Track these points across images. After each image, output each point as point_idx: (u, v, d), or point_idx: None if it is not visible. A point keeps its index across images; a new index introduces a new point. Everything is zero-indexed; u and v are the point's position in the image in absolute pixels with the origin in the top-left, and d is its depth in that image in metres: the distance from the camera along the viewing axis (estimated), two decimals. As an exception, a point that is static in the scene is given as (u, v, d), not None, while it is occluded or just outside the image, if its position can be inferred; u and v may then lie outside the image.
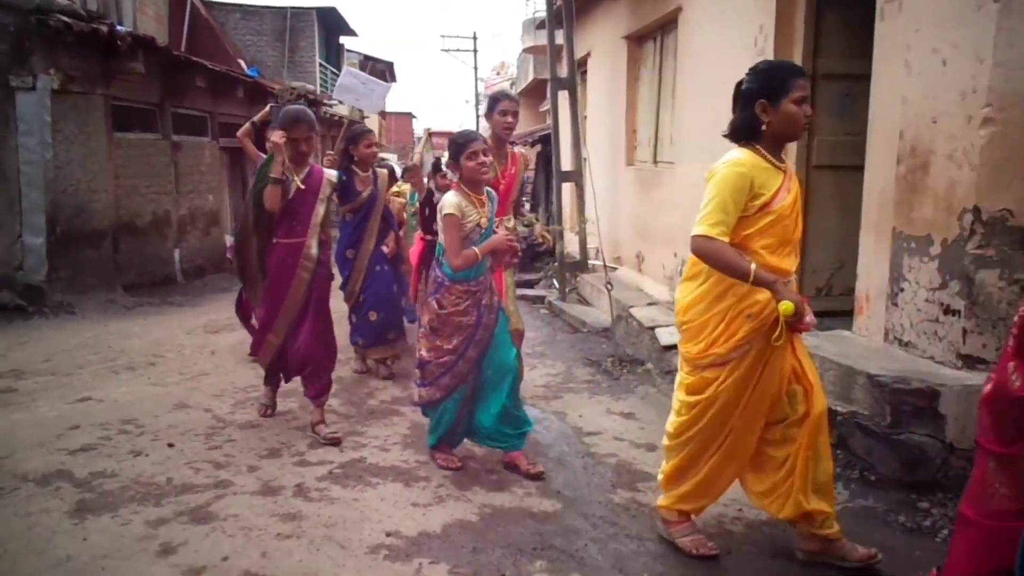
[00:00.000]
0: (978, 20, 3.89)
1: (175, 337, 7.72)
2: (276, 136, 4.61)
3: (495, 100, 4.96)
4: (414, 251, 6.80)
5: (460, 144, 4.04)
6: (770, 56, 5.94)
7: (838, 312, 5.68)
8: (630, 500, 3.90)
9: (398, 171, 8.20)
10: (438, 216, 4.05)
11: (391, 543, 3.40)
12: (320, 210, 4.65)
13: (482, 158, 3.98)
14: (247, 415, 5.14)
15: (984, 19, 3.85)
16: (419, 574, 3.17)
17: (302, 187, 4.58)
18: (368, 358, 6.36)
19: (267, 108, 6.48)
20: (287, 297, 4.63)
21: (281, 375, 5.06)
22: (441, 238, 4.08)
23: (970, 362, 4.05)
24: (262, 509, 3.71)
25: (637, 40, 9.78)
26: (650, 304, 7.67)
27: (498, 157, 4.78)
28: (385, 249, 6.27)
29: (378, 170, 6.29)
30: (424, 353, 4.19)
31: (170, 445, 4.53)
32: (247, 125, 6.15)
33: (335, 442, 4.60)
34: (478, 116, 38.58)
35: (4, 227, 8.84)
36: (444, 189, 6.21)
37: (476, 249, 4.00)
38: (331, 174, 4.82)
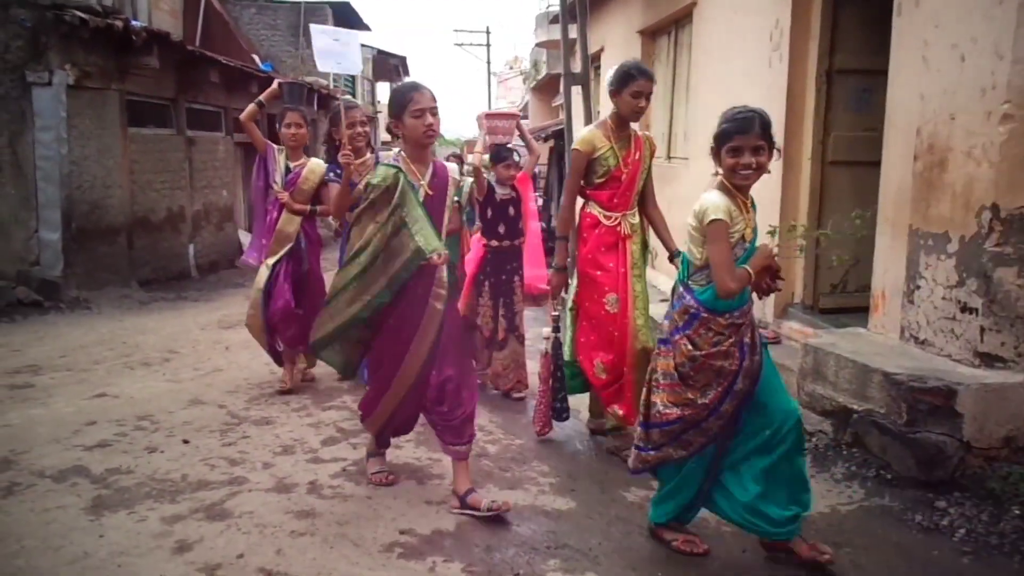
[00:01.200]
0: (998, 15, 3.85)
1: (189, 332, 7.75)
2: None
3: (629, 76, 4.18)
4: (471, 259, 5.50)
5: (725, 133, 3.08)
6: (786, 51, 5.91)
7: (853, 309, 5.66)
8: (644, 498, 3.89)
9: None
10: (695, 221, 3.10)
11: (405, 541, 3.40)
12: (446, 219, 3.63)
13: (747, 158, 3.02)
14: (261, 411, 5.16)
15: (1005, 14, 3.81)
16: (433, 572, 3.16)
17: (431, 193, 3.55)
18: None
19: (274, 84, 5.61)
20: (416, 339, 3.59)
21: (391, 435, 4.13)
22: (696, 253, 3.14)
23: (988, 360, 4.01)
24: (276, 506, 3.72)
25: (651, 35, 9.74)
26: (662, 300, 7.62)
27: (619, 140, 4.30)
28: None
29: (384, 156, 5.22)
30: (662, 408, 3.19)
31: (185, 441, 4.55)
32: (252, 106, 5.45)
33: (506, 509, 3.59)
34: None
35: (20, 222, 8.90)
36: (507, 182, 5.56)
37: (748, 267, 3.06)
38: (454, 168, 3.79)
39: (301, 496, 3.84)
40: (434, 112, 3.48)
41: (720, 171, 3.14)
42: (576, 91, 10.03)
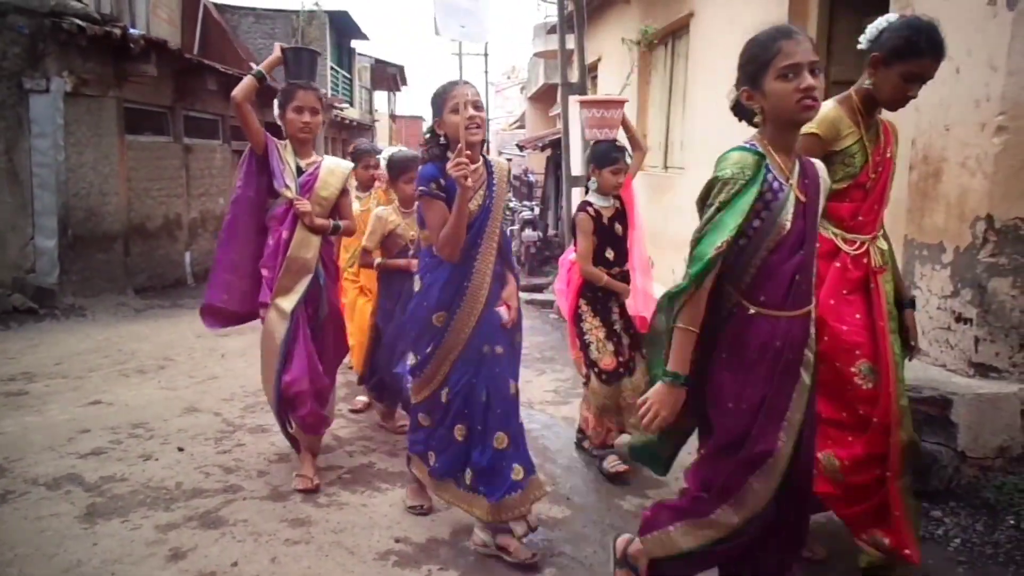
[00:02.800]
0: (992, 28, 3.87)
1: (185, 340, 7.74)
2: None
3: (913, 49, 2.82)
4: (568, 287, 4.41)
5: None
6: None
7: (849, 319, 5.66)
8: (639, 506, 3.89)
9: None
10: None
11: (400, 549, 3.40)
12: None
13: None
14: (256, 419, 5.15)
15: (999, 27, 3.83)
16: (428, 581, 3.16)
17: (803, 199, 2.35)
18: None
19: (276, 50, 4.04)
20: (784, 430, 2.36)
21: None
22: None
23: (982, 370, 4.02)
24: (271, 514, 3.71)
25: (648, 45, 9.77)
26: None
27: (868, 128, 3.04)
28: (504, 314, 3.38)
29: (496, 161, 3.51)
30: None
31: (180, 449, 4.55)
32: (248, 79, 3.91)
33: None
34: (488, 120, 38.60)
35: (16, 229, 8.89)
36: (612, 191, 4.27)
37: None
38: (822, 166, 2.52)
39: (296, 504, 3.83)
40: (815, 70, 2.25)
41: None
42: (573, 100, 10.07)
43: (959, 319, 4.11)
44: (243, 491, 3.98)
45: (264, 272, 3.97)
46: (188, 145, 11.84)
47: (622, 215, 4.35)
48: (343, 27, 24.57)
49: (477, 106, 3.21)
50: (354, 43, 27.03)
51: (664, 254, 8.67)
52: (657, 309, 2.46)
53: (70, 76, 8.93)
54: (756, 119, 2.38)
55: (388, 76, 31.72)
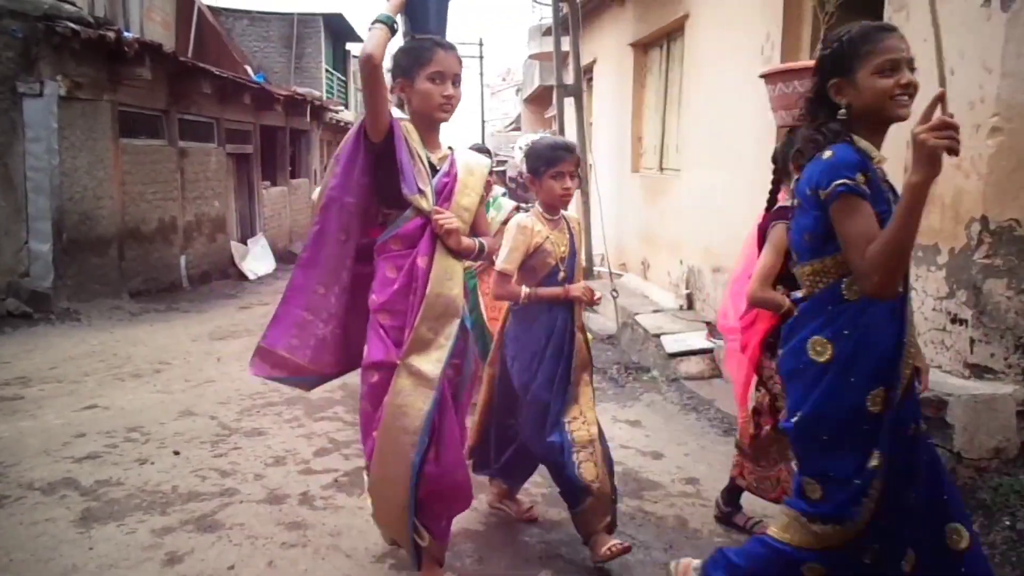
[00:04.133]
0: (986, 30, 3.89)
1: (181, 344, 7.73)
2: None
3: None
4: (748, 329, 3.41)
5: None
6: (776, 64, 5.95)
7: (845, 320, 5.68)
8: (636, 508, 3.89)
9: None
10: None
11: (397, 552, 3.39)
12: None
13: None
14: (253, 422, 5.14)
15: (992, 29, 3.85)
16: (425, 584, 3.15)
17: None
18: None
19: None
20: None
21: None
22: None
23: (977, 371, 4.03)
24: (268, 518, 3.70)
25: (643, 47, 9.80)
26: (656, 311, 7.67)
27: None
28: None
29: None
30: None
31: (176, 453, 4.54)
32: (377, 32, 2.64)
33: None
34: (484, 122, 38.67)
35: (10, 234, 8.86)
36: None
37: None
38: None
39: (293, 507, 3.83)
40: None
41: None
42: (568, 103, 10.09)
43: (954, 320, 4.12)
44: (239, 495, 3.97)
45: (383, 319, 2.76)
46: (183, 148, 11.82)
47: None
48: (338, 30, 24.58)
49: (911, 65, 2.20)
50: (349, 45, 27.04)
51: (659, 255, 8.71)
52: None
53: (64, 80, 8.90)
54: None
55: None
